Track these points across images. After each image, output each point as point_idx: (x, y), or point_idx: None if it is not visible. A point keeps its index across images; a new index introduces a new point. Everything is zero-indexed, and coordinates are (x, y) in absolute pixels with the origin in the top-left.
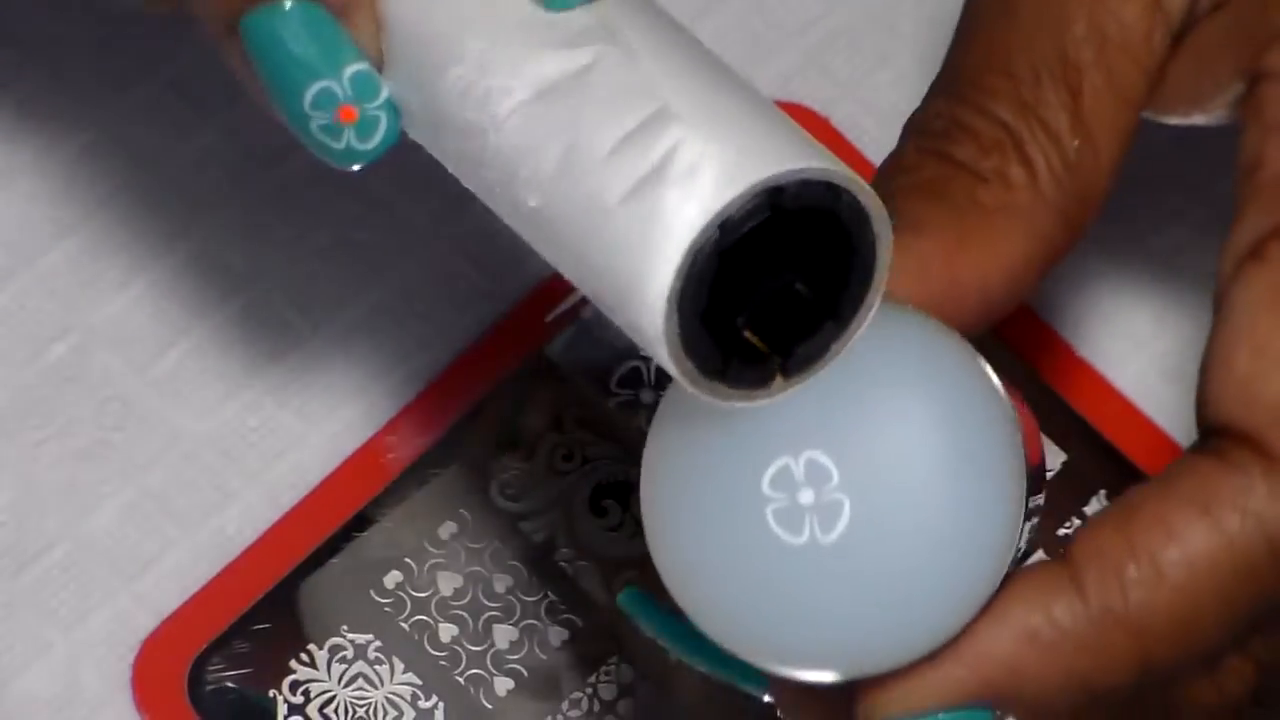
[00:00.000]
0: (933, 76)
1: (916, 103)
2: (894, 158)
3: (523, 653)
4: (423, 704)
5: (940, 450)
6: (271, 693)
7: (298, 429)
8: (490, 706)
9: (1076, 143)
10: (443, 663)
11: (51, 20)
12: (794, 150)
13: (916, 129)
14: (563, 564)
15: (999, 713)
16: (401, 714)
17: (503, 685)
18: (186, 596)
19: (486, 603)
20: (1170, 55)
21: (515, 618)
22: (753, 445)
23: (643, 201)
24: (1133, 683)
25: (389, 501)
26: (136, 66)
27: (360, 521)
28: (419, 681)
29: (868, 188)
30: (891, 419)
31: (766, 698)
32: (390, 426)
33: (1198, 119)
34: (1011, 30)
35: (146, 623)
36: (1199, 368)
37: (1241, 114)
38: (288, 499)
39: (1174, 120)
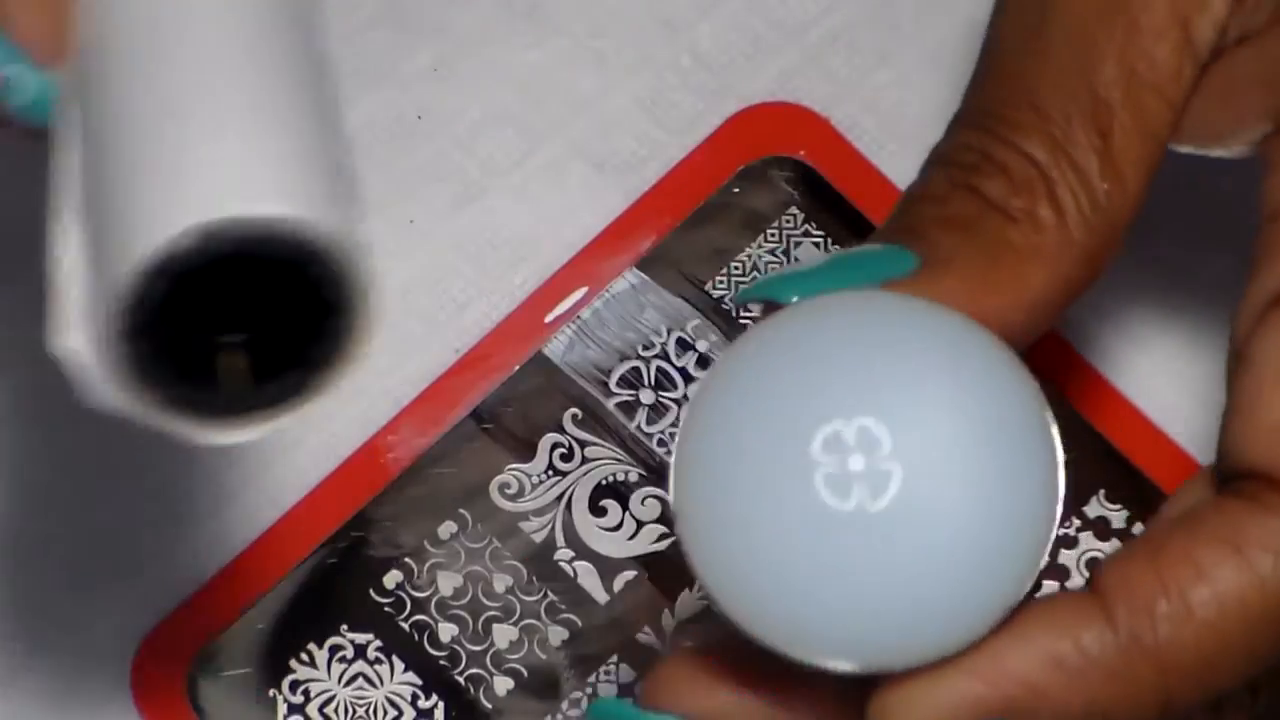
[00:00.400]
0: (933, 76)
1: (917, 103)
2: (921, 187)
3: (522, 652)
4: (423, 703)
5: (989, 432)
6: (271, 692)
7: (297, 430)
8: (490, 706)
9: (1106, 186)
10: (442, 662)
11: None
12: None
13: (944, 160)
14: (563, 564)
15: None
16: (401, 713)
17: (503, 685)
18: (186, 596)
19: (486, 602)
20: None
21: (515, 617)
22: (803, 408)
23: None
24: (1151, 719)
25: (389, 501)
26: None
27: (360, 521)
28: (419, 681)
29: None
30: (943, 396)
31: None
32: (390, 426)
33: (1216, 152)
34: (1042, 66)
35: (146, 623)
36: (1221, 416)
37: (1265, 156)
38: (288, 499)
39: (1188, 150)
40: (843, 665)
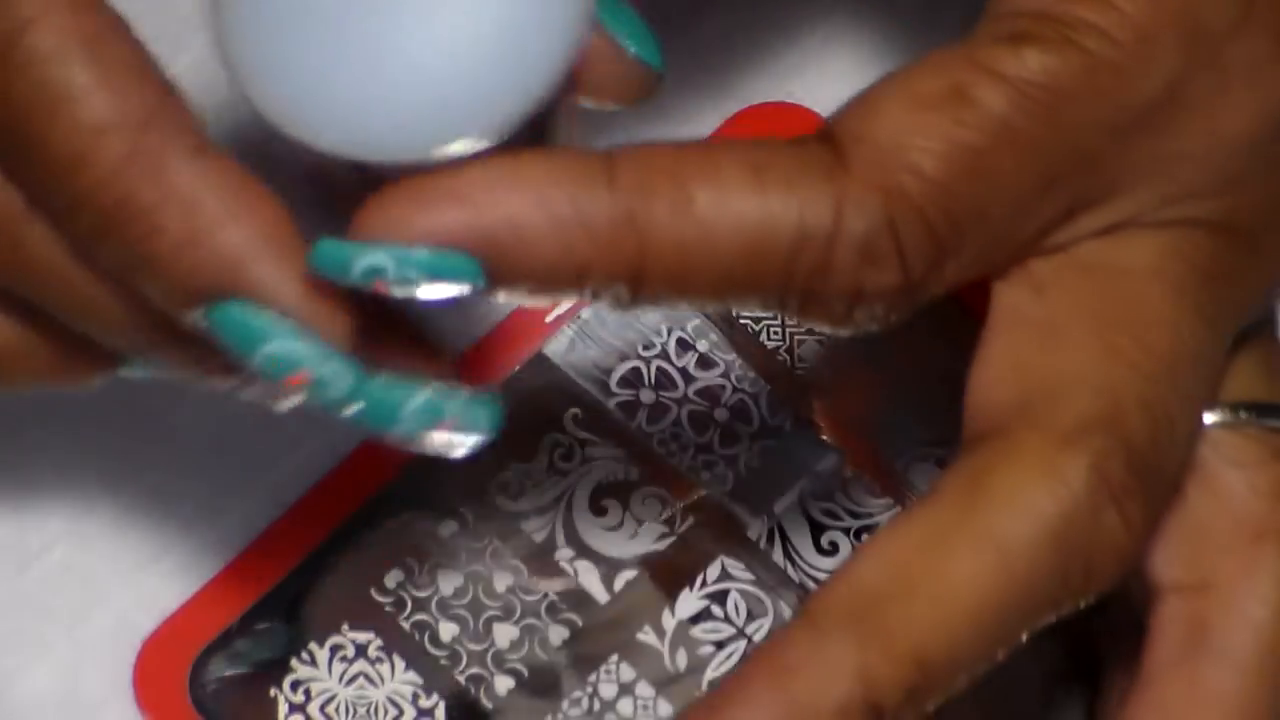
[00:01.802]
0: None
1: None
2: None
3: (523, 652)
4: (423, 703)
5: None
6: (272, 692)
7: (298, 429)
8: (490, 705)
9: None
10: (443, 662)
11: None
12: None
13: None
14: (563, 564)
15: (489, 276)
16: (402, 713)
17: (503, 684)
18: (187, 596)
19: (487, 602)
20: None
21: (515, 617)
22: None
23: None
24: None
25: (389, 501)
26: None
27: (360, 521)
28: (420, 680)
29: None
30: None
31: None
32: None
33: None
34: None
35: (147, 622)
36: None
37: None
38: (288, 499)
39: None
40: (369, 152)
